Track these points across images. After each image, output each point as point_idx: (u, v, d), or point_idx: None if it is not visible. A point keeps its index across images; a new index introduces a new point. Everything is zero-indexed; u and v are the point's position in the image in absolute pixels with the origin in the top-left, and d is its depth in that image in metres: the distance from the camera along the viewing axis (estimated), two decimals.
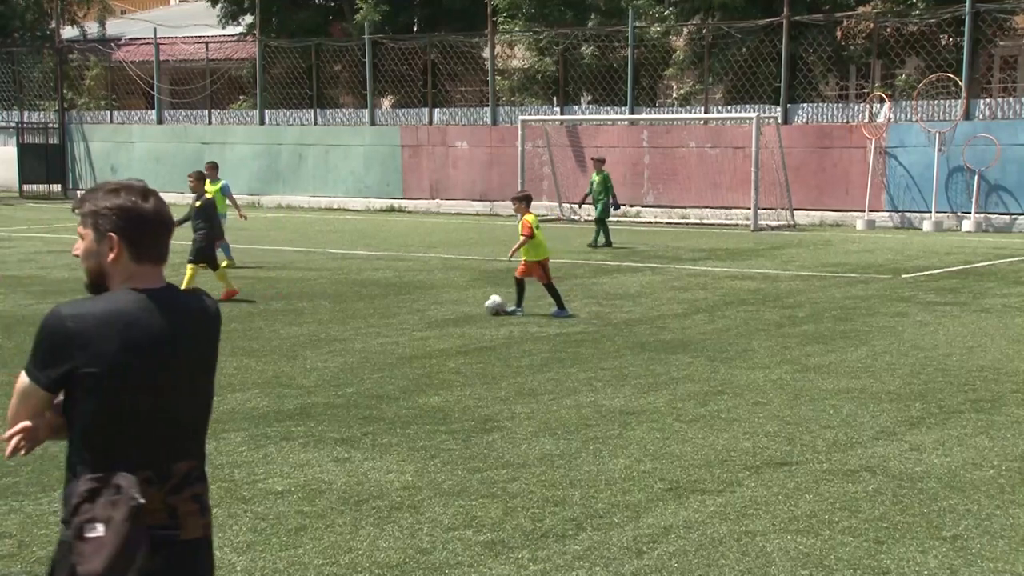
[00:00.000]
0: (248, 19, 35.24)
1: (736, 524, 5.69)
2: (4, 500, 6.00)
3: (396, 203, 30.14)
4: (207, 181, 17.44)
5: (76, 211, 3.00)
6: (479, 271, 16.47)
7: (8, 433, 2.89)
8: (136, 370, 2.87)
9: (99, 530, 2.75)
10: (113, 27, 41.06)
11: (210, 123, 33.26)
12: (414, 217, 28.29)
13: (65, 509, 2.86)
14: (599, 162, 21.03)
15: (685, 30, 28.91)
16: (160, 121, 34.08)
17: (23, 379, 2.91)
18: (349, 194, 30.89)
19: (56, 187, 34.72)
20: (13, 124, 35.55)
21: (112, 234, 2.93)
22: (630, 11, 28.14)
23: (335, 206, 30.84)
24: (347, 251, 19.12)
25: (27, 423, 2.90)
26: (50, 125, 35.24)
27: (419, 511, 5.87)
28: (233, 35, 35.51)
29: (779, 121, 25.76)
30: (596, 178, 20.71)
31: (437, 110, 30.52)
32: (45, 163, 34.58)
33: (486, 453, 6.96)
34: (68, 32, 39.84)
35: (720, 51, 27.52)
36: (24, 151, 34.57)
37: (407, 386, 8.81)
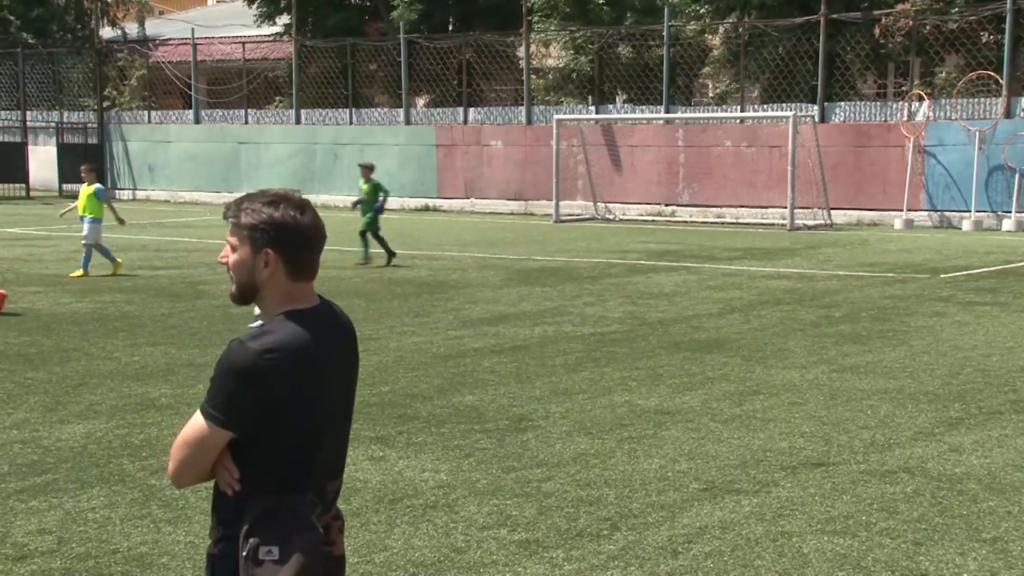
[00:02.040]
0: (284, 19, 35.44)
1: (772, 525, 5.65)
2: (44, 497, 6.05)
3: (431, 202, 30.19)
4: (84, 184, 16.55)
5: (228, 218, 2.87)
6: (513, 270, 16.47)
7: (230, 481, 2.82)
8: (314, 396, 2.83)
9: (275, 554, 2.74)
10: (151, 27, 41.43)
11: (246, 123, 33.47)
12: (448, 216, 28.33)
13: (224, 526, 2.83)
14: (367, 169, 18.27)
15: (721, 28, 28.77)
16: (197, 121, 34.33)
17: (203, 427, 2.77)
18: None
19: None
20: (53, 124, 35.93)
21: (269, 250, 2.81)
22: (666, 10, 28.04)
23: None
24: (381, 250, 19.18)
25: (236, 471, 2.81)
26: (89, 125, 35.59)
27: (454, 510, 5.87)
28: (269, 35, 35.72)
29: (816, 120, 25.58)
30: (364, 187, 18.01)
31: (472, 109, 30.55)
32: (84, 163, 34.86)
33: (520, 452, 6.95)
34: (107, 33, 40.24)
35: (756, 49, 27.36)
36: (64, 151, 34.93)
37: (441, 385, 8.81)
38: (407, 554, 5.27)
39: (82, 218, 15.98)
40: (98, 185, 16.42)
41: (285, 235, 2.81)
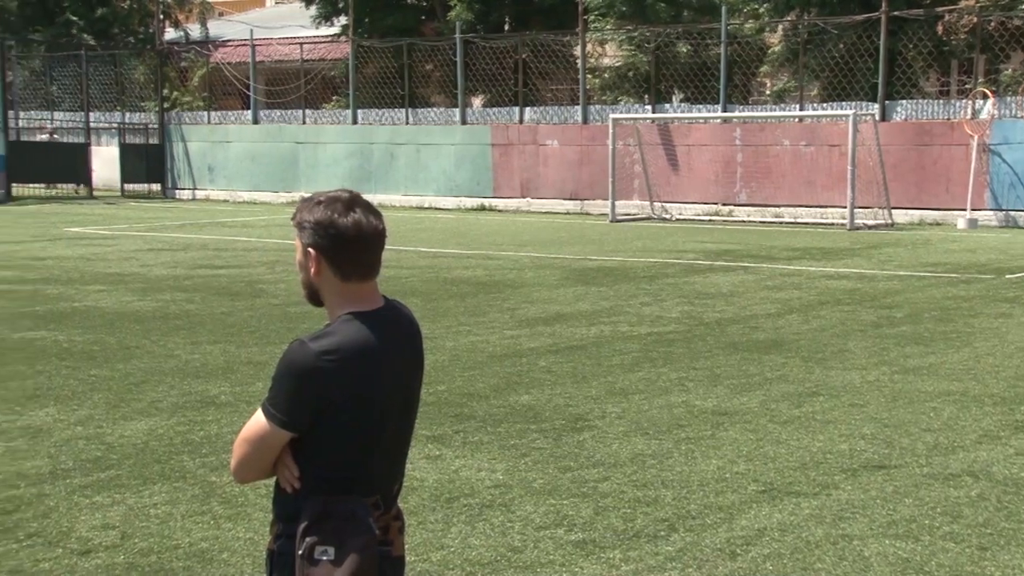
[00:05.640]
0: (342, 20, 35.70)
1: (832, 527, 5.58)
2: (107, 492, 6.14)
3: (487, 202, 30.24)
4: None
5: (292, 221, 2.93)
6: (570, 270, 16.44)
7: (289, 479, 2.85)
8: (377, 400, 2.85)
9: (331, 554, 2.76)
10: (211, 28, 41.95)
11: (304, 123, 33.76)
12: (504, 216, 28.36)
13: (283, 523, 2.87)
14: None
15: (780, 26, 28.51)
16: (256, 121, 34.68)
17: (264, 425, 2.80)
18: (440, 193, 31.08)
19: (156, 186, 35.56)
20: (115, 125, 36.48)
21: (311, 249, 2.85)
22: (723, 8, 27.85)
23: (426, 205, 31.06)
24: (438, 249, 19.25)
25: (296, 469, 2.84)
26: (150, 126, 36.09)
27: (510, 509, 5.87)
28: (327, 36, 36.00)
29: (877, 118, 25.25)
30: None
31: (528, 109, 30.56)
32: (145, 163, 35.43)
33: (577, 452, 6.93)
34: (170, 34, 40.81)
35: (816, 47, 27.07)
36: (125, 151, 35.48)
37: (498, 384, 8.82)
38: (464, 553, 5.28)
39: None
40: None
41: (325, 235, 2.83)
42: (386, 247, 2.98)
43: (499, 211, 29.55)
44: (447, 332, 11.12)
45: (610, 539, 5.44)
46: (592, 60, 30.80)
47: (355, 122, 32.88)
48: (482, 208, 30.05)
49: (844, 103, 26.04)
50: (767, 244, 20.32)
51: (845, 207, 24.01)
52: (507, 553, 5.27)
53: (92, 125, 36.77)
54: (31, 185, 33.62)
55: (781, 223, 25.33)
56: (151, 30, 39.77)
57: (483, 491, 6.16)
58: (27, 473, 6.47)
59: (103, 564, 5.14)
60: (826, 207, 25.58)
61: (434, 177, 31.24)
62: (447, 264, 17.14)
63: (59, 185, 34.96)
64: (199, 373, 9.20)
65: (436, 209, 30.41)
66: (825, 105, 26.92)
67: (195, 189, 35.02)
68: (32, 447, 7.02)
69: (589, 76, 30.17)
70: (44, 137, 36.50)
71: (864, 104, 25.80)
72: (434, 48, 32.35)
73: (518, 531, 5.55)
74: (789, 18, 28.08)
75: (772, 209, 26.38)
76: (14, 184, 32.63)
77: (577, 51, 30.41)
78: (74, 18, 39.69)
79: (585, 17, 29.72)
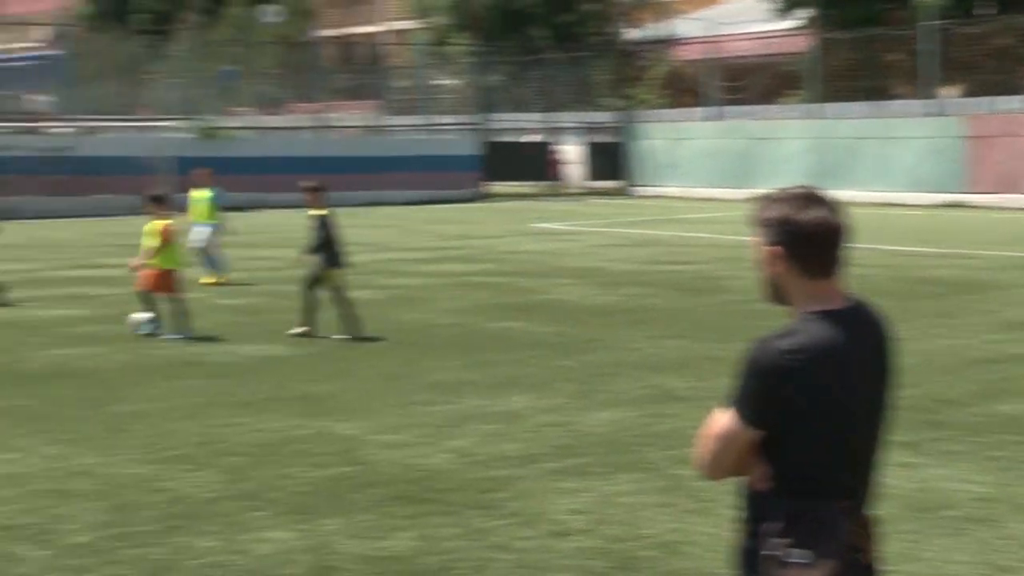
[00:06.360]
0: (803, 13, 35.00)
1: None
2: (577, 479, 6.34)
3: (958, 198, 28.35)
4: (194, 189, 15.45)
5: (751, 219, 2.90)
6: None
7: (759, 478, 2.84)
8: (843, 402, 2.79)
9: (805, 558, 2.73)
10: (669, 27, 42.80)
11: (762, 119, 33.42)
12: (980, 212, 26.42)
13: (751, 522, 2.85)
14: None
15: None
16: (714, 117, 34.83)
17: (731, 422, 2.81)
18: (905, 188, 29.54)
19: (617, 183, 36.78)
20: (579, 124, 38.15)
21: (771, 247, 2.82)
22: None
23: (890, 201, 29.63)
24: (903, 248, 18.31)
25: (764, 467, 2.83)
26: (612, 124, 37.39)
27: (997, 526, 5.39)
28: (784, 30, 35.45)
29: None
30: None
31: (1008, 98, 28.26)
32: (607, 160, 36.79)
33: None
34: (629, 34, 42.14)
35: None
36: (589, 150, 37.09)
37: (977, 391, 8.18)
38: (943, 568, 4.92)
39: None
40: (216, 189, 15.53)
41: (786, 232, 2.76)
42: (849, 245, 2.83)
43: (973, 207, 27.57)
44: (918, 334, 10.47)
45: None
46: None
47: (816, 116, 32.08)
48: (952, 204, 28.19)
49: None
50: None
51: None
52: (995, 573, 4.84)
53: (557, 125, 38.68)
54: (503, 183, 36.02)
55: None
56: (612, 31, 41.20)
57: (964, 504, 5.72)
58: (504, 456, 6.85)
59: (577, 547, 5.30)
60: None
61: (899, 172, 29.76)
62: (916, 263, 16.24)
63: (528, 182, 37.12)
64: (659, 366, 9.32)
65: (900, 205, 28.95)
66: None
67: (653, 186, 35.77)
68: (508, 431, 7.42)
69: None
70: (536, 138, 38.83)
71: None
72: (900, 37, 30.82)
73: (1008, 550, 5.08)
74: None
75: None
76: (489, 182, 35.07)
77: None
78: (538, 28, 42.01)
79: None
